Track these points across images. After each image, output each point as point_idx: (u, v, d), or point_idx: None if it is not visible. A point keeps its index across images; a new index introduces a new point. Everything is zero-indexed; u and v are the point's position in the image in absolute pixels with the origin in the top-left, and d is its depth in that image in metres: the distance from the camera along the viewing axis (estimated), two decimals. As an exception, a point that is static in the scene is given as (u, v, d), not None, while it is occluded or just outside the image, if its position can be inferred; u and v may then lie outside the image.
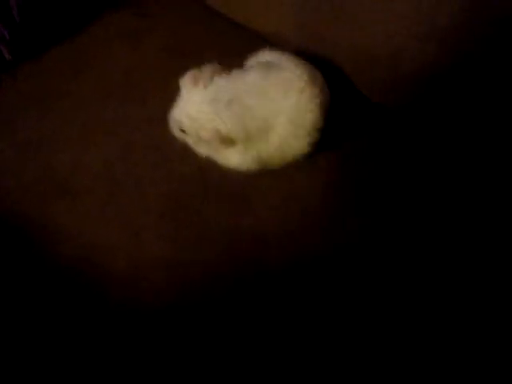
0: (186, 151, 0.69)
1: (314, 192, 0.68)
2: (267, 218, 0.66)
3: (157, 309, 0.60)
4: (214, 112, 0.63)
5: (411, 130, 0.73)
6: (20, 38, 0.71)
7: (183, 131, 0.66)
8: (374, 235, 0.65)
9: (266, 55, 0.68)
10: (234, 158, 0.66)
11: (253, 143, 0.65)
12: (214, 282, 0.62)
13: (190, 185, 0.67)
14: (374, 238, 0.65)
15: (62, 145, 0.70)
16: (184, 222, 0.65)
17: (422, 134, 0.73)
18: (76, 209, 0.66)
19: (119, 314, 0.60)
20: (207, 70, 0.64)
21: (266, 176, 0.68)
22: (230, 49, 0.76)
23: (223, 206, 0.66)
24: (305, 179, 0.68)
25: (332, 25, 0.71)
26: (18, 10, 0.68)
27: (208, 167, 0.68)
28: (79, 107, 0.72)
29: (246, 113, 0.63)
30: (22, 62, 0.74)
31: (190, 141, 0.67)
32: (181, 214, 0.65)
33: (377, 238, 0.65)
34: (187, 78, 0.64)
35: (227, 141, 0.63)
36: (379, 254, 0.64)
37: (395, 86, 0.73)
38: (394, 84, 0.73)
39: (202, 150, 0.67)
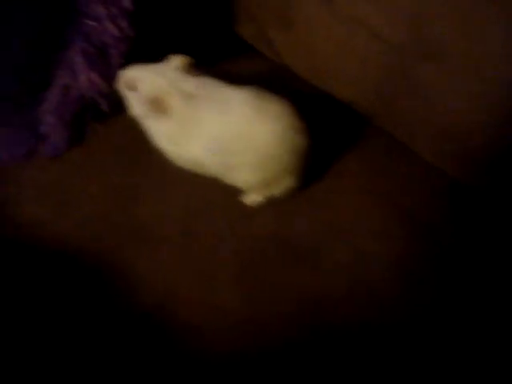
0: (261, 211, 0.72)
1: (384, 259, 0.69)
2: (335, 279, 0.68)
3: (221, 361, 0.62)
4: None
5: (485, 205, 0.75)
6: (116, 92, 0.76)
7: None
8: (444, 308, 0.66)
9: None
10: (240, 178, 0.70)
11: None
12: (279, 340, 0.64)
13: (264, 244, 0.70)
14: (443, 312, 0.66)
15: (145, 194, 0.74)
16: (255, 279, 0.68)
17: (495, 208, 0.74)
18: (153, 256, 0.69)
19: (186, 362, 0.62)
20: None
21: (337, 238, 0.71)
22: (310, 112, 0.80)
23: (294, 266, 0.69)
24: (377, 246, 0.70)
25: (408, 100, 0.74)
26: (118, 68, 0.73)
27: (281, 228, 0.71)
28: (163, 160, 0.76)
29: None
30: (116, 114, 0.79)
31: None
32: (253, 271, 0.68)
33: (446, 312, 0.66)
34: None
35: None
36: (447, 327, 0.65)
37: (466, 160, 0.75)
38: (462, 158, 0.75)
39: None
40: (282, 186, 0.71)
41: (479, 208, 0.74)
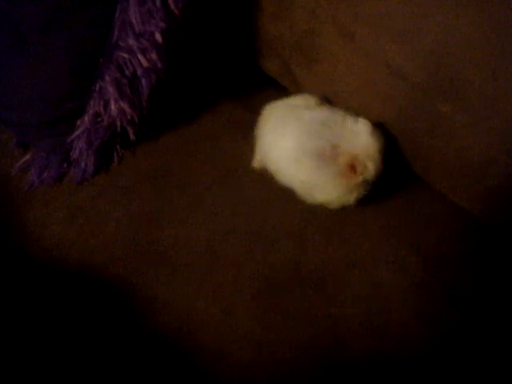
0: (280, 240, 0.74)
1: (401, 291, 0.70)
2: (351, 310, 0.69)
3: (237, 381, 0.64)
4: None
5: (502, 243, 0.75)
6: (144, 121, 0.79)
7: None
8: (461, 342, 0.66)
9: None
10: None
11: None
12: (294, 367, 0.65)
13: (283, 271, 0.71)
14: (460, 345, 0.66)
15: (167, 220, 0.76)
16: (274, 305, 0.69)
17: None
18: (174, 280, 0.71)
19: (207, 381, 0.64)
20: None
21: (353, 268, 0.72)
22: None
23: (310, 294, 0.70)
24: (393, 278, 0.71)
25: (428, 136, 0.76)
26: (147, 98, 0.76)
27: (299, 256, 0.73)
28: (186, 188, 0.79)
29: None
30: (141, 141, 0.82)
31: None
32: (272, 297, 0.69)
33: (463, 345, 0.66)
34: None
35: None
36: (464, 360, 0.65)
37: (482, 196, 0.76)
38: (479, 194, 0.76)
39: None
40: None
41: (496, 246, 0.75)
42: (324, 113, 0.74)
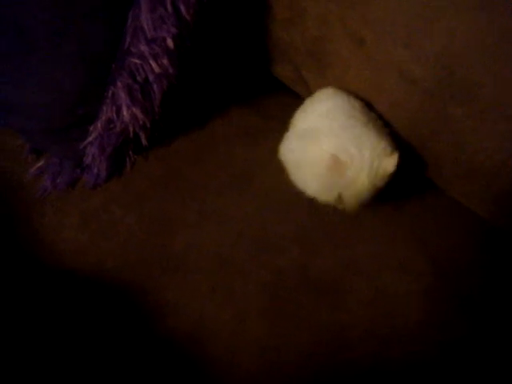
0: (289, 246, 0.74)
1: (407, 296, 0.70)
2: (358, 315, 0.69)
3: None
4: None
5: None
6: (156, 127, 0.79)
7: None
8: (467, 347, 0.66)
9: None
10: None
11: None
12: (303, 371, 0.65)
13: (291, 277, 0.72)
14: (467, 350, 0.66)
15: (179, 225, 0.76)
16: (282, 311, 0.69)
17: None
18: (185, 285, 0.71)
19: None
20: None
21: (360, 273, 0.72)
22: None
23: (320, 300, 0.70)
24: (400, 282, 0.71)
25: (438, 140, 0.76)
26: (159, 103, 0.77)
27: (306, 262, 0.73)
28: (197, 193, 0.79)
29: None
30: (153, 147, 0.83)
31: None
32: (280, 303, 0.70)
33: (470, 350, 0.66)
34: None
35: None
36: (472, 366, 0.65)
37: (493, 201, 0.76)
38: (490, 198, 0.76)
39: None
40: None
41: (507, 251, 0.75)
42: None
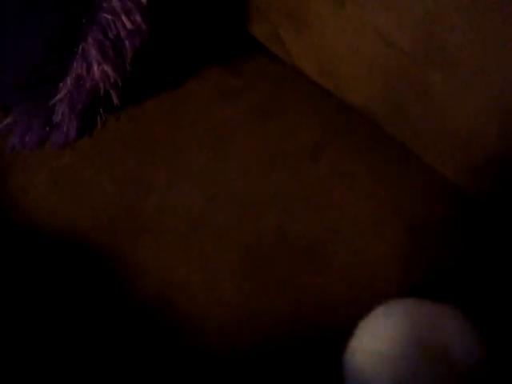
0: (267, 209, 0.73)
1: (386, 261, 0.70)
2: (337, 279, 0.69)
3: (218, 353, 0.64)
4: None
5: (491, 216, 0.75)
6: (128, 85, 0.78)
7: None
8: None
9: None
10: None
11: None
12: (279, 336, 0.65)
13: (268, 239, 0.71)
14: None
15: (151, 186, 0.75)
16: (258, 273, 0.69)
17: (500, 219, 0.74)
18: (158, 247, 0.70)
19: (185, 350, 0.64)
20: None
21: (339, 238, 0.71)
22: (316, 114, 0.82)
23: (295, 264, 0.69)
24: (379, 247, 0.71)
25: (416, 106, 0.75)
26: (130, 61, 0.75)
27: (285, 226, 0.72)
28: (170, 153, 0.78)
29: None
30: (125, 106, 0.81)
31: None
32: (256, 265, 0.69)
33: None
34: None
35: None
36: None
37: (470, 169, 0.76)
38: (466, 166, 0.75)
39: None
40: None
41: (482, 219, 0.74)
42: None
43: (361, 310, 0.65)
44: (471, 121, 0.71)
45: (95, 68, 0.73)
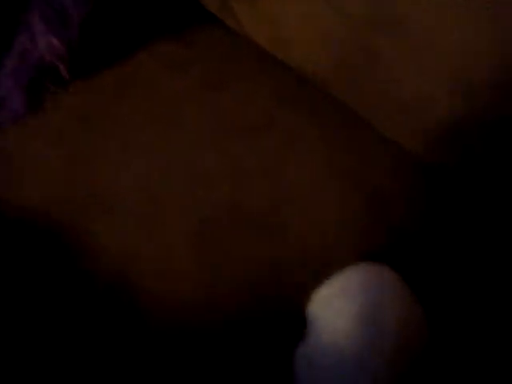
0: (219, 178, 0.73)
1: (339, 229, 0.71)
2: (293, 248, 0.69)
3: (177, 322, 0.64)
4: None
5: (444, 183, 0.76)
6: (76, 58, 0.76)
7: None
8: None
9: None
10: None
11: None
12: (235, 307, 0.65)
13: (223, 211, 0.71)
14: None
15: (102, 161, 0.74)
16: (214, 245, 0.69)
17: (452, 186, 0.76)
18: (111, 223, 0.69)
19: (147, 323, 0.64)
20: None
21: (294, 208, 0.72)
22: (268, 84, 0.81)
23: (253, 234, 0.69)
24: (333, 216, 0.72)
25: (367, 72, 0.75)
26: (77, 32, 0.73)
27: (240, 197, 0.72)
28: (122, 128, 0.76)
29: None
30: (74, 79, 0.79)
31: None
32: (212, 237, 0.69)
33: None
34: None
35: None
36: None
37: (422, 136, 0.76)
38: (420, 133, 0.76)
39: None
40: None
41: (437, 186, 0.76)
42: None
43: (317, 279, 0.67)
44: (420, 87, 0.72)
45: (40, 39, 0.71)
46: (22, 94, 0.75)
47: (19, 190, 0.72)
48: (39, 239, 0.68)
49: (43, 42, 0.71)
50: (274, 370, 0.61)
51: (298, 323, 0.62)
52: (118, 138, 0.76)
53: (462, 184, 0.75)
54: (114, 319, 0.63)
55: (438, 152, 0.76)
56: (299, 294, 0.65)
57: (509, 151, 0.70)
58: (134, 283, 0.66)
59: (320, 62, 0.78)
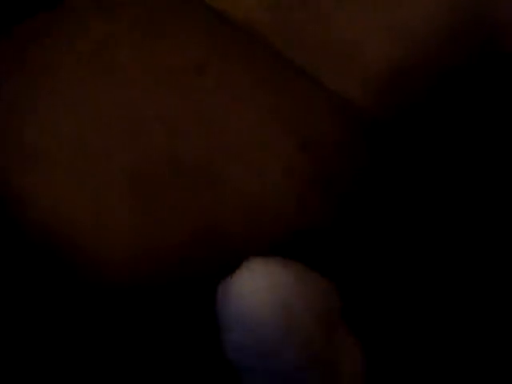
0: (154, 127, 0.71)
1: (281, 182, 0.70)
2: (234, 202, 0.68)
3: (113, 280, 0.63)
4: None
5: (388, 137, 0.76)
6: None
7: None
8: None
9: None
10: None
11: None
12: (176, 261, 0.65)
13: (159, 161, 0.69)
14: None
15: (31, 110, 0.71)
16: (151, 198, 0.67)
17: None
18: (40, 174, 0.67)
19: (81, 278, 0.63)
20: None
21: (234, 160, 0.71)
22: (203, 31, 0.78)
23: (192, 187, 0.68)
24: (274, 168, 0.71)
25: (302, 11, 0.74)
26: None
27: (177, 146, 0.70)
28: (49, 75, 0.73)
29: None
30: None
31: None
32: (148, 189, 0.67)
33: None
34: None
35: None
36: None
37: (362, 85, 0.75)
38: (360, 82, 0.75)
39: None
40: None
41: (381, 141, 0.76)
42: None
43: (257, 232, 0.67)
44: (356, 33, 0.71)
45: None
46: None
47: None
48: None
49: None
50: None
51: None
52: (47, 86, 0.72)
53: (402, 140, 0.75)
54: (44, 273, 0.62)
55: (378, 104, 0.76)
56: (239, 244, 0.65)
57: (449, 105, 0.71)
58: (64, 238, 0.64)
59: (254, 5, 0.77)
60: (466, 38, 0.69)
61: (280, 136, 0.73)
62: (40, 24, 0.77)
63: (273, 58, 0.78)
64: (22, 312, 0.60)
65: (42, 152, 0.68)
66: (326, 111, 0.77)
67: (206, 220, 0.67)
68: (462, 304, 0.65)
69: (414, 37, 0.68)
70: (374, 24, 0.69)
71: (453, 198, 0.70)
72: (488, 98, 0.71)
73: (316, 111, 0.76)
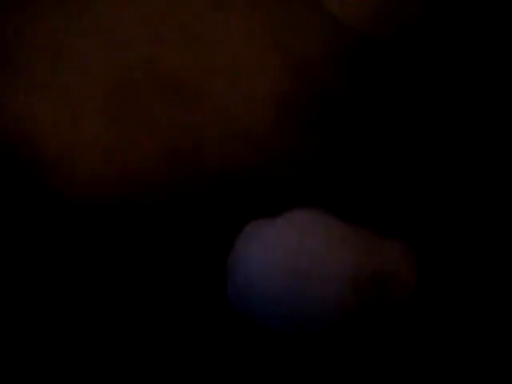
0: (134, 37, 0.67)
1: (265, 100, 0.68)
2: (213, 116, 0.67)
3: (87, 197, 0.63)
4: None
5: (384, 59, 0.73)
6: None
7: None
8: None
9: None
10: None
11: None
12: (151, 173, 0.64)
13: (137, 72, 0.67)
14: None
15: (7, 10, 0.66)
16: (128, 108, 0.65)
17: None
18: (16, 84, 0.65)
19: (49, 195, 0.62)
20: None
21: (217, 76, 0.68)
22: None
23: (170, 99, 0.66)
24: (255, 84, 0.69)
25: None
26: None
27: (157, 56, 0.67)
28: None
29: None
30: None
31: None
32: (125, 99, 0.65)
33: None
34: None
35: None
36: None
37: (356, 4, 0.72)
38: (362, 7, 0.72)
39: None
40: None
41: (374, 61, 0.73)
42: None
43: (234, 148, 0.66)
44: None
45: None
46: None
47: None
48: None
49: None
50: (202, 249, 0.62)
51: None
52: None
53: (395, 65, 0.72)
54: (16, 186, 0.61)
55: (373, 25, 0.72)
56: (223, 163, 0.64)
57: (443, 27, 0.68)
58: (39, 149, 0.63)
59: None
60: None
61: (271, 57, 0.70)
62: None
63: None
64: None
65: (18, 60, 0.65)
66: (319, 32, 0.73)
67: (185, 136, 0.66)
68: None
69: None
70: None
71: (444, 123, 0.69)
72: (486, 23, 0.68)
73: (310, 32, 0.73)
